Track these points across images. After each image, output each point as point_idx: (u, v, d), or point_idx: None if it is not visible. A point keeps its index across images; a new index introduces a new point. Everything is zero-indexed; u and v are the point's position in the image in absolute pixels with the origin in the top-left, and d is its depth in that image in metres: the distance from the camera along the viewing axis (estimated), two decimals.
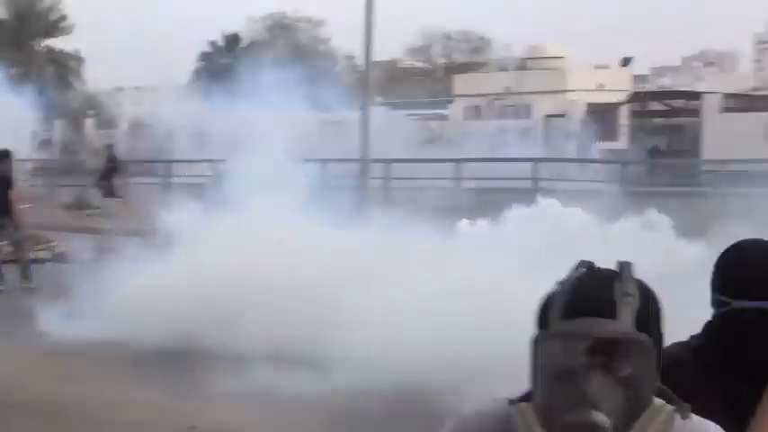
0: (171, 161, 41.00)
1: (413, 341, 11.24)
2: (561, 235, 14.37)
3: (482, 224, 16.46)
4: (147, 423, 10.10)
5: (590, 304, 2.12)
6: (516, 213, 16.58)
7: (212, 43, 64.88)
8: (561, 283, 2.22)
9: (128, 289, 14.06)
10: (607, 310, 2.11)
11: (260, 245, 14.25)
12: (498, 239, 14.88)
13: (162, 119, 45.47)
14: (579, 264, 2.25)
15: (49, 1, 66.60)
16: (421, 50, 77.26)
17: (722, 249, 3.48)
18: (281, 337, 11.93)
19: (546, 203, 17.35)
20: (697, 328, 3.96)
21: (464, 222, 16.81)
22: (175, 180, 38.54)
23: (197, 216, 15.97)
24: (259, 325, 12.47)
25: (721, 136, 36.56)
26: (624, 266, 2.20)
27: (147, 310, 13.33)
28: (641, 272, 3.09)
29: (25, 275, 18.57)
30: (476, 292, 11.73)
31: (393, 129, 39.47)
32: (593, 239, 14.42)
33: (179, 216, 15.98)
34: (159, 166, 42.01)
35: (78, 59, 65.43)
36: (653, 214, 17.24)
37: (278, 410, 10.35)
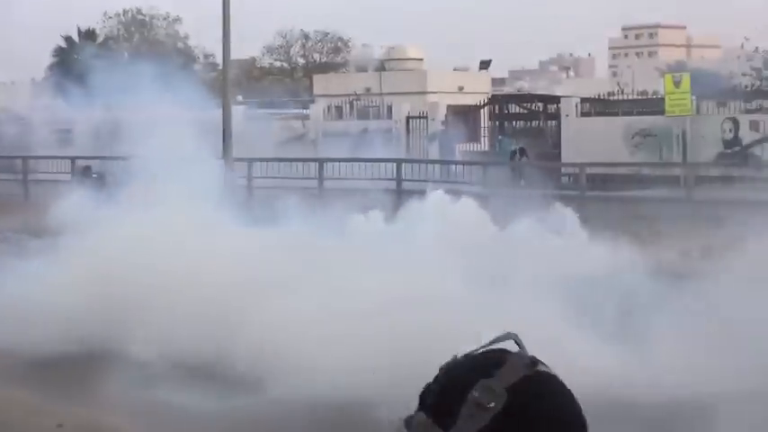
0: (29, 157, 41.51)
1: (334, 347, 10.87)
2: (465, 231, 14.65)
3: (376, 218, 16.51)
4: (15, 421, 9.94)
5: (429, 405, 1.74)
6: (410, 208, 16.79)
7: (67, 39, 64.35)
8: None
9: (13, 289, 13.49)
10: (442, 416, 1.70)
11: (159, 244, 13.74)
12: (401, 234, 15.07)
13: (17, 114, 45.78)
14: (503, 335, 1.80)
15: None
16: (280, 50, 78.62)
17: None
18: (182, 341, 11.77)
19: (436, 198, 17.61)
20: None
21: (357, 218, 16.77)
22: (35, 177, 39.20)
23: (87, 213, 15.76)
24: (157, 329, 12.10)
25: (580, 139, 37.56)
26: (507, 359, 1.70)
27: (34, 311, 12.79)
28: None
29: None
30: (398, 293, 11.75)
31: (255, 128, 40.42)
32: (500, 238, 14.79)
33: (68, 213, 15.69)
34: (16, 163, 42.13)
35: None
36: (560, 213, 17.71)
37: (161, 415, 10.29)
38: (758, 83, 45.05)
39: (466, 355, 1.76)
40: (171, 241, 13.92)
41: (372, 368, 10.51)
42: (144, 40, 64.54)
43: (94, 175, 35.06)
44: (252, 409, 10.46)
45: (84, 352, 12.18)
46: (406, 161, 36.47)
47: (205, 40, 70.20)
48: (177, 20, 73.76)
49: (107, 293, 12.87)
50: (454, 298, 12.05)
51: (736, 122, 36.89)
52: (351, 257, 13.66)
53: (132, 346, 11.96)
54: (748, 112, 38.37)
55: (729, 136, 36.40)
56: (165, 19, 73.69)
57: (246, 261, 13.60)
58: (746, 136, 36.11)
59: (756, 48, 47.42)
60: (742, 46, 49.99)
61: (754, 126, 36.30)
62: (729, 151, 35.75)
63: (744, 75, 47.41)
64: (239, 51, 48.89)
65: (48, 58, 65.94)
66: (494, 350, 1.73)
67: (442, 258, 13.39)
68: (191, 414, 10.53)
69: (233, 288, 12.88)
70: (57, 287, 13.45)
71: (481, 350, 1.74)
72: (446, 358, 2.11)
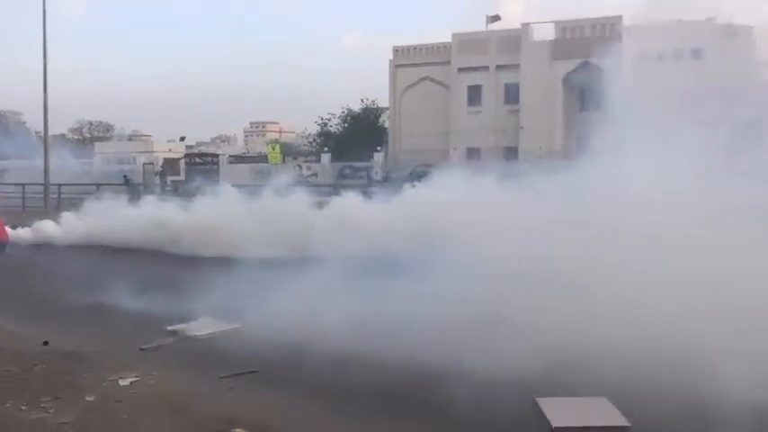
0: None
1: None
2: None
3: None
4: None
5: None
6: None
7: None
8: None
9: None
10: None
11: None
12: None
13: None
14: None
15: None
16: (77, 130, 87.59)
17: None
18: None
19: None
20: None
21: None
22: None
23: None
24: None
25: (229, 176, 41.06)
26: None
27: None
28: None
29: None
30: None
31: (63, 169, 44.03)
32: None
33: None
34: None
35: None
36: None
37: None
38: (309, 148, 53.50)
39: None
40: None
41: None
42: None
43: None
44: None
45: None
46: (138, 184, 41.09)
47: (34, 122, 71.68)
48: (19, 113, 79.17)
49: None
50: None
51: (300, 166, 44.94)
52: None
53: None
54: (305, 162, 46.89)
55: (299, 172, 42.56)
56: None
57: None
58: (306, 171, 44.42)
59: (309, 133, 55.74)
60: (304, 131, 57.48)
61: (307, 168, 44.65)
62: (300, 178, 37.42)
63: (303, 146, 56.46)
64: (55, 128, 51.20)
65: None
66: None
67: None
68: None
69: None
70: None
71: None
72: None
